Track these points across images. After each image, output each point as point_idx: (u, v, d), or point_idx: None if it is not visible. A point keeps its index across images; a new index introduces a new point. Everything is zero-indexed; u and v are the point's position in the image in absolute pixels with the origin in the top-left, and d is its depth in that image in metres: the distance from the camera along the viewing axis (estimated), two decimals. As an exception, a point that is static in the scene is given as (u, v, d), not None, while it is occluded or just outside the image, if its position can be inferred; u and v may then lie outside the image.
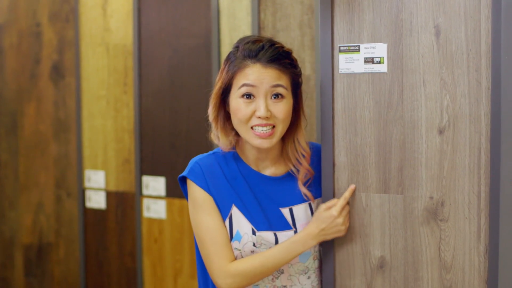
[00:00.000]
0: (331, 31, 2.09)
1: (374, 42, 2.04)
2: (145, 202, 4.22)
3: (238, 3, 3.71)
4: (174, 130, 4.06)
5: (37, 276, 4.75)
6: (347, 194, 2.07)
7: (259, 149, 2.13)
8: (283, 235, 2.10)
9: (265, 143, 2.06)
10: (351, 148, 2.09)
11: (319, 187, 2.18)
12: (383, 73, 2.03)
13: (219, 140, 2.16)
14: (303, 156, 2.15)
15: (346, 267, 2.11)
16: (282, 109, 2.05)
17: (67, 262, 4.64)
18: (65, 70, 4.53)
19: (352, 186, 2.08)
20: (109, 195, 4.40)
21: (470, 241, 1.96)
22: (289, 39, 3.45)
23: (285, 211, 2.13)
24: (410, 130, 2.01)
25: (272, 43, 2.08)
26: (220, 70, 2.13)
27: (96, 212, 4.47)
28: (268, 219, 2.10)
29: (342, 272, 2.12)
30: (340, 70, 2.08)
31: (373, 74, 2.05)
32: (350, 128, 2.08)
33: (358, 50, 2.06)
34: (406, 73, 2.00)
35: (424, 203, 2.01)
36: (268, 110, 2.03)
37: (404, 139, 2.02)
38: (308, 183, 2.17)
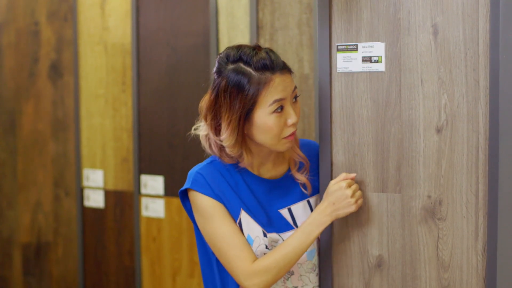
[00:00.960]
0: (329, 30, 2.09)
1: (372, 41, 2.04)
2: (144, 201, 4.22)
3: (237, 2, 3.72)
4: (173, 129, 4.06)
5: (35, 275, 4.75)
6: (351, 175, 2.06)
7: (267, 155, 2.12)
8: (287, 236, 2.09)
9: (290, 144, 2.06)
10: (349, 147, 2.09)
11: (316, 180, 2.17)
12: (381, 72, 2.03)
13: (241, 159, 2.08)
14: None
15: (344, 266, 2.11)
16: (299, 109, 2.07)
17: (65, 261, 4.64)
18: (63, 69, 4.52)
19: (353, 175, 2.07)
20: (108, 194, 4.40)
21: (468, 240, 1.96)
22: (287, 38, 3.45)
23: (284, 212, 2.13)
24: (408, 129, 2.01)
25: (270, 50, 2.05)
26: (227, 90, 2.00)
27: (95, 211, 4.47)
28: (272, 221, 2.10)
29: (340, 271, 2.12)
30: (338, 69, 2.08)
31: (371, 73, 2.05)
32: (348, 127, 2.08)
33: (356, 49, 2.06)
34: (404, 72, 2.00)
35: (422, 202, 2.01)
36: (296, 115, 2.03)
37: (402, 138, 2.02)
38: (305, 172, 2.17)
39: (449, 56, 1.95)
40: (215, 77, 2.05)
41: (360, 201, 2.03)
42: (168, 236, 4.15)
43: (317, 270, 2.16)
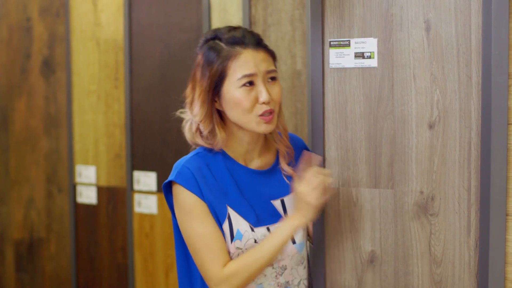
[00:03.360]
0: (321, 26, 2.09)
1: (365, 37, 2.04)
2: (136, 197, 4.22)
3: (229, -2, 3.71)
4: (165, 125, 4.05)
5: (28, 272, 4.75)
6: (315, 169, 2.03)
7: (250, 140, 2.11)
8: (275, 227, 2.09)
9: (269, 128, 2.05)
10: (342, 143, 2.09)
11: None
12: (374, 68, 2.03)
13: (215, 137, 2.08)
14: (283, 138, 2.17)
15: (337, 262, 2.12)
16: (277, 91, 2.07)
17: (58, 258, 4.64)
18: (55, 65, 4.52)
19: (320, 158, 2.05)
20: (100, 190, 4.40)
21: (460, 236, 1.97)
22: (280, 34, 3.45)
23: (277, 203, 2.13)
24: (400, 124, 2.01)
25: (246, 29, 2.10)
26: (201, 65, 2.07)
27: (87, 207, 4.47)
28: (260, 214, 2.10)
29: (333, 267, 2.12)
30: (330, 65, 2.08)
31: (363, 69, 2.05)
32: (341, 123, 2.09)
33: (349, 45, 2.06)
34: (396, 68, 2.00)
35: (415, 197, 2.01)
36: (269, 94, 2.03)
37: (395, 134, 2.02)
38: (291, 164, 2.17)
39: (441, 52, 1.95)
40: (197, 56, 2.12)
41: (321, 199, 2.00)
42: (160, 232, 4.15)
43: (305, 263, 2.16)
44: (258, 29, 3.53)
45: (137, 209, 4.22)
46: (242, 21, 3.60)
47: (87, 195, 4.46)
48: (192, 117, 2.10)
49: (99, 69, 4.32)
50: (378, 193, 2.05)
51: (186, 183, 2.03)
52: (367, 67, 2.04)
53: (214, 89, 2.05)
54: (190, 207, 2.04)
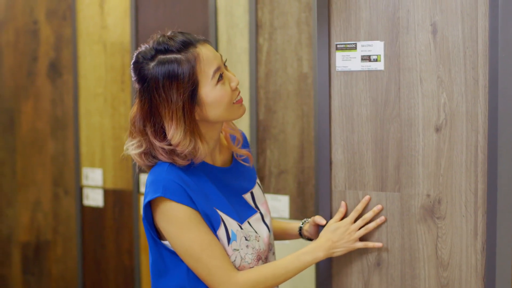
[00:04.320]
0: (328, 29, 2.09)
1: (371, 40, 2.04)
2: (143, 199, 4.21)
3: (236, 1, 3.71)
4: (172, 127, 4.05)
5: (34, 274, 4.75)
6: (359, 207, 2.07)
7: (217, 137, 2.07)
8: (253, 220, 2.10)
9: (244, 107, 2.06)
10: (348, 146, 2.09)
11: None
12: (380, 71, 2.03)
13: (197, 152, 1.97)
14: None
15: (343, 265, 2.11)
16: (232, 72, 2.06)
17: (64, 260, 4.64)
18: (62, 68, 4.52)
19: (367, 198, 2.07)
20: (107, 193, 4.40)
21: (467, 239, 1.96)
22: (286, 37, 3.45)
23: (247, 196, 2.14)
24: (407, 128, 2.01)
25: (176, 31, 2.01)
26: (160, 86, 1.92)
27: (94, 210, 4.47)
28: (239, 210, 2.08)
29: (339, 270, 2.12)
30: (337, 68, 2.08)
31: (370, 72, 2.05)
32: (347, 126, 2.08)
33: (355, 48, 2.06)
34: (403, 71, 2.00)
35: (421, 201, 2.01)
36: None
37: (401, 137, 2.02)
38: (239, 145, 2.19)
39: (448, 55, 1.95)
40: (139, 85, 1.99)
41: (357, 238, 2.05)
42: (167, 235, 4.15)
43: (273, 249, 2.18)
44: (264, 32, 3.53)
45: (143, 211, 4.22)
46: (249, 24, 3.60)
47: (94, 198, 4.46)
48: (164, 145, 1.97)
49: (106, 71, 4.33)
50: (385, 196, 2.05)
51: (176, 197, 1.93)
52: (374, 70, 2.04)
53: (191, 100, 1.95)
54: (185, 219, 1.94)
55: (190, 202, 1.94)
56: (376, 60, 2.04)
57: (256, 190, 2.19)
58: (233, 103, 2.00)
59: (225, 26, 3.74)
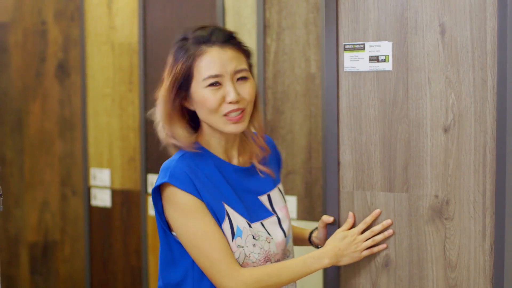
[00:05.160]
0: (336, 30, 2.08)
1: (379, 40, 2.04)
2: (150, 200, 4.22)
3: (243, 1, 3.71)
4: (179, 128, 4.05)
5: (42, 274, 4.76)
6: (368, 219, 2.07)
7: (227, 138, 2.08)
8: (268, 222, 2.09)
9: (238, 128, 2.01)
10: (356, 146, 2.09)
11: (277, 173, 2.22)
12: (388, 71, 2.03)
13: (178, 137, 2.05)
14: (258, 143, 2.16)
15: (351, 265, 2.11)
16: (248, 89, 2.02)
17: (72, 260, 4.65)
18: (70, 68, 4.53)
19: (377, 211, 2.07)
20: (115, 193, 4.41)
21: (475, 240, 1.96)
22: (294, 37, 3.45)
23: (264, 199, 2.13)
24: (415, 128, 2.01)
25: (216, 27, 2.06)
26: (169, 64, 2.04)
27: (102, 210, 4.48)
28: (252, 210, 2.08)
29: (347, 270, 2.12)
30: (345, 68, 2.08)
31: (378, 72, 2.04)
32: (355, 126, 2.08)
33: (363, 49, 2.06)
34: (411, 71, 2.00)
35: (429, 201, 2.00)
36: (238, 94, 1.99)
37: (409, 137, 2.02)
38: (264, 161, 2.18)
39: (456, 56, 1.94)
40: None
41: (366, 250, 2.05)
42: (174, 235, 4.16)
43: (291, 256, 2.16)
44: (272, 33, 3.53)
45: (151, 212, 4.22)
46: (256, 24, 3.60)
47: (102, 198, 4.47)
48: (160, 126, 2.08)
49: (114, 72, 4.34)
50: (393, 196, 2.05)
51: (181, 184, 1.97)
52: (382, 71, 2.04)
53: (179, 88, 2.01)
54: (189, 207, 1.97)
55: (195, 191, 1.97)
56: (384, 61, 2.03)
57: (275, 194, 2.17)
58: (223, 115, 2.00)
59: (233, 27, 3.74)
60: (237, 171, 2.10)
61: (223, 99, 1.99)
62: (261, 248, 2.04)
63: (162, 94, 2.04)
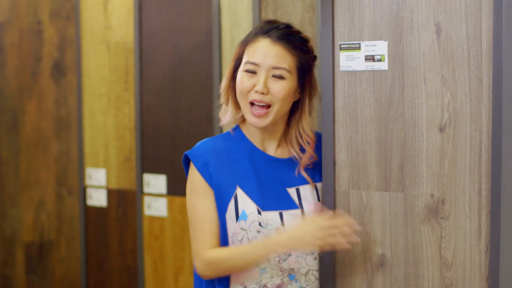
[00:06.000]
0: (331, 29, 2.09)
1: (375, 40, 2.04)
2: (146, 200, 4.22)
3: (239, 1, 3.72)
4: (175, 127, 4.06)
5: (38, 274, 4.76)
6: (334, 215, 2.03)
7: (262, 129, 2.14)
8: (288, 214, 2.11)
9: (259, 123, 2.09)
10: (352, 146, 2.09)
11: (320, 173, 2.19)
12: (384, 71, 2.03)
13: (228, 112, 2.19)
14: (308, 143, 2.15)
15: (347, 265, 2.11)
16: (280, 88, 2.07)
17: (68, 260, 4.65)
18: (66, 68, 4.53)
19: (341, 211, 2.07)
20: (110, 193, 4.40)
21: (470, 239, 1.96)
22: (290, 37, 3.45)
23: (292, 191, 2.14)
24: (411, 128, 2.01)
25: (288, 26, 2.15)
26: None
27: (97, 210, 4.47)
28: (272, 199, 2.11)
29: (343, 270, 2.12)
30: (341, 68, 2.08)
31: (374, 72, 2.05)
32: (351, 126, 2.08)
33: (359, 48, 2.06)
34: (407, 71, 2.00)
35: (425, 201, 2.01)
36: (265, 86, 2.07)
37: (405, 137, 2.02)
38: (309, 167, 2.18)
39: (452, 55, 1.95)
40: None
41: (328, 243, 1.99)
42: (170, 235, 4.16)
43: (315, 254, 2.15)
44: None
45: (147, 211, 4.22)
46: (252, 24, 3.60)
47: (97, 198, 4.47)
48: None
49: (110, 72, 4.33)
50: (389, 196, 2.05)
51: (195, 161, 2.13)
52: (378, 70, 2.04)
53: (235, 69, 2.15)
54: (195, 184, 2.13)
55: (205, 171, 2.11)
56: (380, 60, 2.03)
57: (306, 189, 2.16)
58: (249, 102, 2.08)
59: (229, 26, 3.75)
60: (267, 160, 2.16)
61: (252, 86, 2.08)
62: (266, 236, 2.08)
63: (226, 72, 2.20)
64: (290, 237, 2.02)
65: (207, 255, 2.09)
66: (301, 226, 2.04)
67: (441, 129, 1.97)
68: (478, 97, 1.92)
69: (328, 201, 2.12)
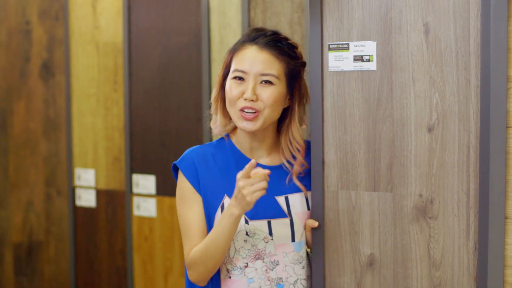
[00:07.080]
0: (320, 29, 2.09)
1: (364, 40, 2.04)
2: (135, 200, 4.21)
3: (228, 1, 3.72)
4: (164, 128, 4.05)
5: (27, 275, 4.74)
6: (247, 168, 1.99)
7: (251, 136, 2.14)
8: (277, 222, 2.10)
9: (248, 126, 2.08)
10: (341, 146, 2.09)
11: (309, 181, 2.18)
12: (373, 71, 2.04)
13: (214, 123, 2.20)
14: (298, 150, 2.15)
15: (336, 265, 2.12)
16: (269, 93, 2.08)
17: (57, 261, 4.63)
18: (55, 68, 4.52)
19: (253, 161, 1.99)
20: (99, 193, 4.39)
21: (459, 239, 1.97)
22: (279, 37, 3.46)
23: (281, 200, 2.14)
24: (399, 128, 2.01)
25: (275, 32, 2.15)
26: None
27: (86, 210, 4.46)
28: (261, 207, 2.10)
29: (332, 270, 2.12)
30: (329, 68, 2.09)
31: (362, 72, 2.05)
32: (340, 126, 2.09)
33: (348, 48, 2.06)
34: (395, 71, 2.01)
35: (414, 201, 2.01)
36: (254, 93, 2.07)
37: (394, 137, 2.02)
38: (301, 175, 2.17)
39: (440, 55, 1.95)
40: None
41: (256, 194, 1.96)
42: (160, 236, 4.15)
43: (303, 262, 2.16)
44: (257, 32, 3.54)
45: (136, 212, 4.21)
46: (241, 24, 3.60)
47: (86, 198, 4.46)
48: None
49: (98, 72, 4.32)
50: (377, 196, 2.05)
51: (184, 169, 2.14)
52: (366, 70, 2.04)
53: (224, 78, 2.17)
54: (183, 192, 2.14)
55: (194, 179, 2.13)
56: (368, 60, 2.04)
57: (295, 197, 2.16)
58: (239, 109, 2.08)
59: (218, 26, 3.75)
60: (257, 168, 2.10)
61: (241, 94, 2.08)
62: (253, 245, 2.09)
63: (215, 82, 2.22)
64: (233, 199, 2.00)
65: (190, 257, 2.10)
66: (237, 186, 1.99)
67: (430, 129, 1.98)
68: (466, 97, 1.93)
69: (317, 201, 2.12)
